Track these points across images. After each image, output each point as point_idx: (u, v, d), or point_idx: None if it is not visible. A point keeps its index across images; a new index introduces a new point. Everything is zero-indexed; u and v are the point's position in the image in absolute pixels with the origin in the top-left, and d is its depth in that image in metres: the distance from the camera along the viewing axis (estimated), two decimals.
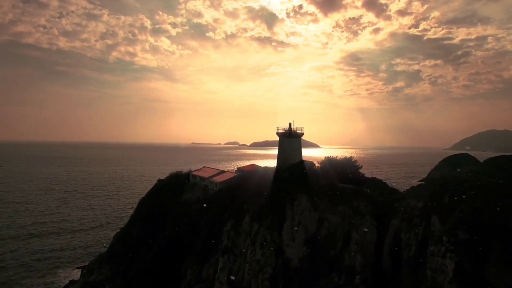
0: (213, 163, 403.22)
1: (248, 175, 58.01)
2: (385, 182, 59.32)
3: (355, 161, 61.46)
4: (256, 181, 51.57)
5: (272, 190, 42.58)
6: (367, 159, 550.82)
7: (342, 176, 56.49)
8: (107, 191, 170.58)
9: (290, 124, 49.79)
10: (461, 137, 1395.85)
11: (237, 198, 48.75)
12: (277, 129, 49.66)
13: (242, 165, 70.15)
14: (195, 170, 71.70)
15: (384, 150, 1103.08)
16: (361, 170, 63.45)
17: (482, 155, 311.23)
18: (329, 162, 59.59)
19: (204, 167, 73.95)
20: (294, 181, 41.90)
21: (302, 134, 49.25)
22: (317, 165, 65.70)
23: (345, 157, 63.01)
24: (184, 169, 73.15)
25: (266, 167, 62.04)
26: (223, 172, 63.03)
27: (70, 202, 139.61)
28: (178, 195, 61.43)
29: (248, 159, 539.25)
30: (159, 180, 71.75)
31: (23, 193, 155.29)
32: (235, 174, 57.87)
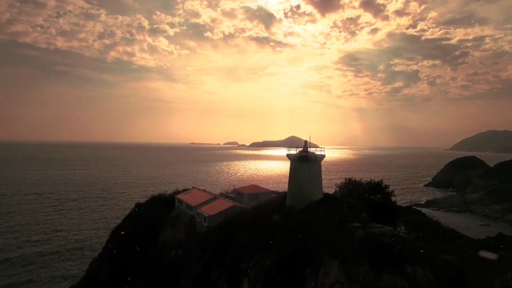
0: (212, 164, 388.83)
1: (248, 204, 44.39)
2: (425, 214, 45.75)
3: (386, 186, 47.46)
4: (258, 216, 37.82)
5: (282, 246, 28.66)
6: (367, 160, 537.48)
7: (370, 206, 42.85)
8: (101, 198, 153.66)
9: (306, 142, 35.93)
10: (461, 138, 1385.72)
11: (233, 245, 35.03)
12: (288, 150, 35.77)
13: (240, 187, 56.20)
14: (182, 191, 57.93)
15: (383, 151, 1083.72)
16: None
17: (483, 156, 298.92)
18: (353, 189, 45.75)
19: (193, 188, 59.98)
20: (317, 235, 27.98)
21: (323, 156, 35.43)
22: (336, 189, 52.02)
23: (372, 180, 49.17)
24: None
25: (270, 193, 48.25)
26: (215, 198, 49.07)
27: (57, 213, 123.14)
28: (157, 229, 47.56)
29: (248, 159, 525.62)
30: (137, 205, 57.76)
31: (7, 200, 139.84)
32: (230, 205, 43.84)
